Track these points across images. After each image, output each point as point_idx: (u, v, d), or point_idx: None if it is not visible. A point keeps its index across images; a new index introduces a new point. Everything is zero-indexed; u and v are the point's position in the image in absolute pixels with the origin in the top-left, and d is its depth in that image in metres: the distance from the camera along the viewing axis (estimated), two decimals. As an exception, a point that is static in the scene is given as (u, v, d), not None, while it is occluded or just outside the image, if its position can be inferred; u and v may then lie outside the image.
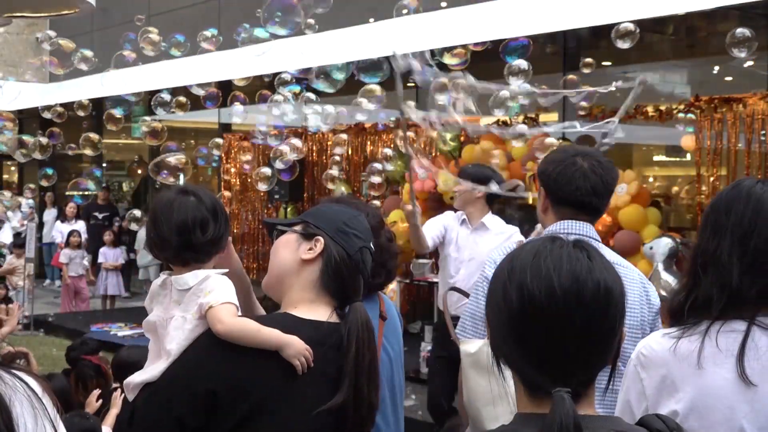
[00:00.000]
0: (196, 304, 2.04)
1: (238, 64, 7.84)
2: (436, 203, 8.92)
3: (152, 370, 2.04)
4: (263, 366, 1.90)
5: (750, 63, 8.49)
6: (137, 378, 2.07)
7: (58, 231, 13.84)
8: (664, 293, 6.98)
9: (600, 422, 1.31)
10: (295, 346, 1.90)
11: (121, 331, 10.28)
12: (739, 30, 4.34)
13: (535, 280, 1.29)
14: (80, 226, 13.39)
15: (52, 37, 5.24)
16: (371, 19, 9.91)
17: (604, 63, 9.20)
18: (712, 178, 7.58)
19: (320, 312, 2.02)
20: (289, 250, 2.07)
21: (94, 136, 5.31)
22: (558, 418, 1.21)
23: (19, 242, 12.19)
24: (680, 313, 1.84)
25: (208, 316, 1.99)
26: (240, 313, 2.07)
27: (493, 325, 1.36)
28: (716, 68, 9.44)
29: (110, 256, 12.96)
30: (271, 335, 1.91)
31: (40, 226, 15.21)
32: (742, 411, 1.72)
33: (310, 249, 2.05)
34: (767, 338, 1.75)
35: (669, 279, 6.99)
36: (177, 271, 2.15)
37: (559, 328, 1.28)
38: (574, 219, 2.55)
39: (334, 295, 2.04)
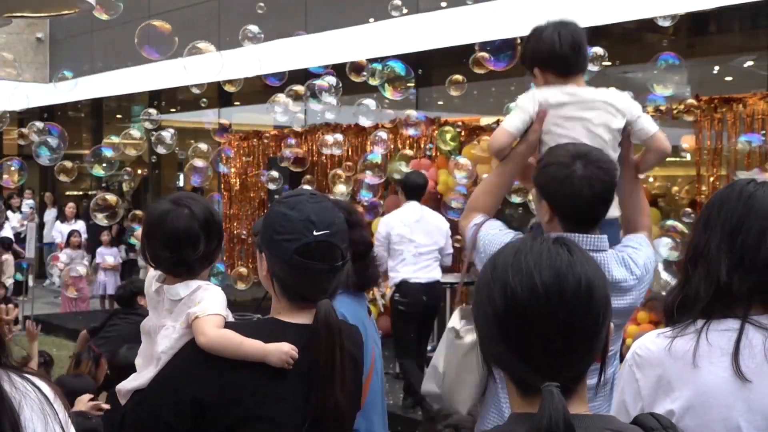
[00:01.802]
0: (185, 314, 2.06)
1: (239, 63, 7.82)
2: (434, 203, 8.90)
3: (142, 376, 2.08)
4: (249, 374, 1.90)
5: (750, 63, 8.49)
6: (128, 385, 2.12)
7: (58, 231, 13.83)
8: (663, 293, 6.98)
9: (593, 421, 1.31)
10: (278, 353, 1.89)
11: (121, 331, 10.26)
12: None
13: (516, 278, 1.29)
14: (80, 226, 13.38)
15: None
16: (371, 19, 9.91)
17: (604, 63, 9.17)
18: (712, 178, 7.57)
19: (303, 316, 1.99)
20: (260, 264, 2.07)
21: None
22: (547, 412, 1.21)
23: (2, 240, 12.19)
24: (672, 311, 1.84)
25: (194, 326, 1.99)
26: (231, 318, 2.08)
27: (480, 325, 1.36)
28: (716, 68, 9.43)
29: (108, 256, 12.95)
30: (253, 347, 1.90)
31: (41, 226, 15.20)
32: (739, 409, 1.72)
33: (263, 263, 2.04)
34: (761, 336, 1.75)
35: (669, 279, 7.00)
36: (170, 281, 2.17)
37: (542, 324, 1.28)
38: (579, 231, 2.43)
39: (300, 299, 2.00)
